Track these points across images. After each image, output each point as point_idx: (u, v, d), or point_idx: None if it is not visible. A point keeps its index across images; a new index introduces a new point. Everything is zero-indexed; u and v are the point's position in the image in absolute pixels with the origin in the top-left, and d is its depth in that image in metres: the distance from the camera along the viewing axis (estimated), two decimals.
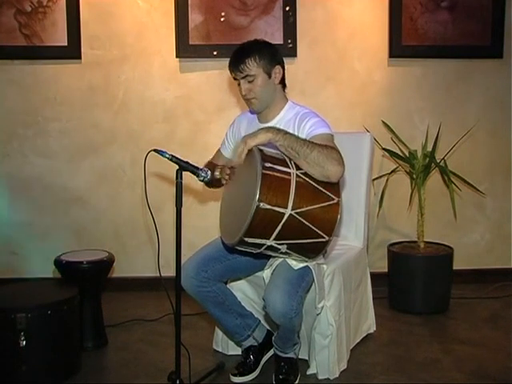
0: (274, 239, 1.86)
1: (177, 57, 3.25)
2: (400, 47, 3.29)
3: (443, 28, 3.29)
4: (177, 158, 1.97)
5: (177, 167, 1.97)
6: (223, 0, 3.20)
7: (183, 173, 1.98)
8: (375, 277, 2.92)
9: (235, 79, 2.17)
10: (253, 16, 3.22)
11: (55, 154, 3.32)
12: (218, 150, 2.45)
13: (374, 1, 3.29)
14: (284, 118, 2.18)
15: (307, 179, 1.87)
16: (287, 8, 3.22)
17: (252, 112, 2.28)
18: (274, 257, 2.08)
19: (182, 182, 1.97)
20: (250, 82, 2.12)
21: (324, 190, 1.87)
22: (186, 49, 3.23)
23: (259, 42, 2.20)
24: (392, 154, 3.16)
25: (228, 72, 2.20)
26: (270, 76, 2.14)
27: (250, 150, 1.91)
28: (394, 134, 3.20)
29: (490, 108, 3.41)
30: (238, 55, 2.13)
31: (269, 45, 2.21)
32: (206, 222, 3.32)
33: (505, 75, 3.38)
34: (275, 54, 2.17)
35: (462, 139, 3.20)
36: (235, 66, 2.13)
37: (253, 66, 2.10)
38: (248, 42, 2.20)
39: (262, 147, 1.92)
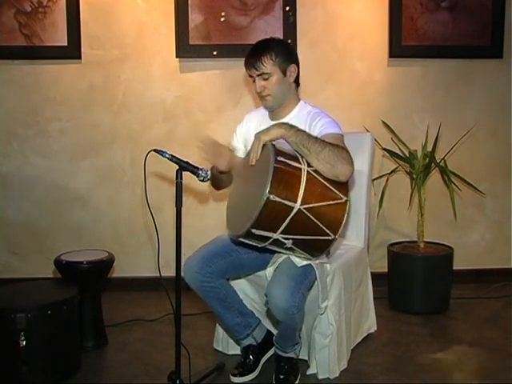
0: (281, 233, 1.86)
1: (177, 57, 3.25)
2: (400, 47, 3.29)
3: (443, 28, 3.29)
4: (177, 157, 1.97)
5: (177, 167, 1.98)
6: (223, 0, 3.20)
7: (183, 173, 1.98)
8: (375, 277, 2.91)
9: (250, 76, 2.19)
10: (253, 16, 3.22)
11: (55, 153, 3.32)
12: (230, 150, 2.39)
13: (374, 1, 3.29)
14: (295, 117, 2.20)
15: (317, 176, 1.88)
16: (287, 8, 3.22)
17: (266, 108, 2.27)
18: (278, 252, 2.08)
19: (181, 182, 1.97)
20: (265, 79, 2.14)
21: (333, 189, 1.88)
22: (185, 49, 3.22)
23: (275, 40, 2.22)
24: (392, 154, 3.16)
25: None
26: (285, 74, 2.16)
27: (264, 146, 1.92)
28: (394, 134, 3.20)
29: (490, 108, 3.41)
30: (254, 53, 2.15)
31: (285, 43, 2.24)
32: (206, 222, 3.33)
33: (505, 75, 3.38)
34: (291, 53, 2.21)
35: (462, 139, 3.20)
36: (251, 63, 2.14)
37: (268, 64, 2.12)
38: (264, 40, 2.22)
39: (274, 142, 1.93)
